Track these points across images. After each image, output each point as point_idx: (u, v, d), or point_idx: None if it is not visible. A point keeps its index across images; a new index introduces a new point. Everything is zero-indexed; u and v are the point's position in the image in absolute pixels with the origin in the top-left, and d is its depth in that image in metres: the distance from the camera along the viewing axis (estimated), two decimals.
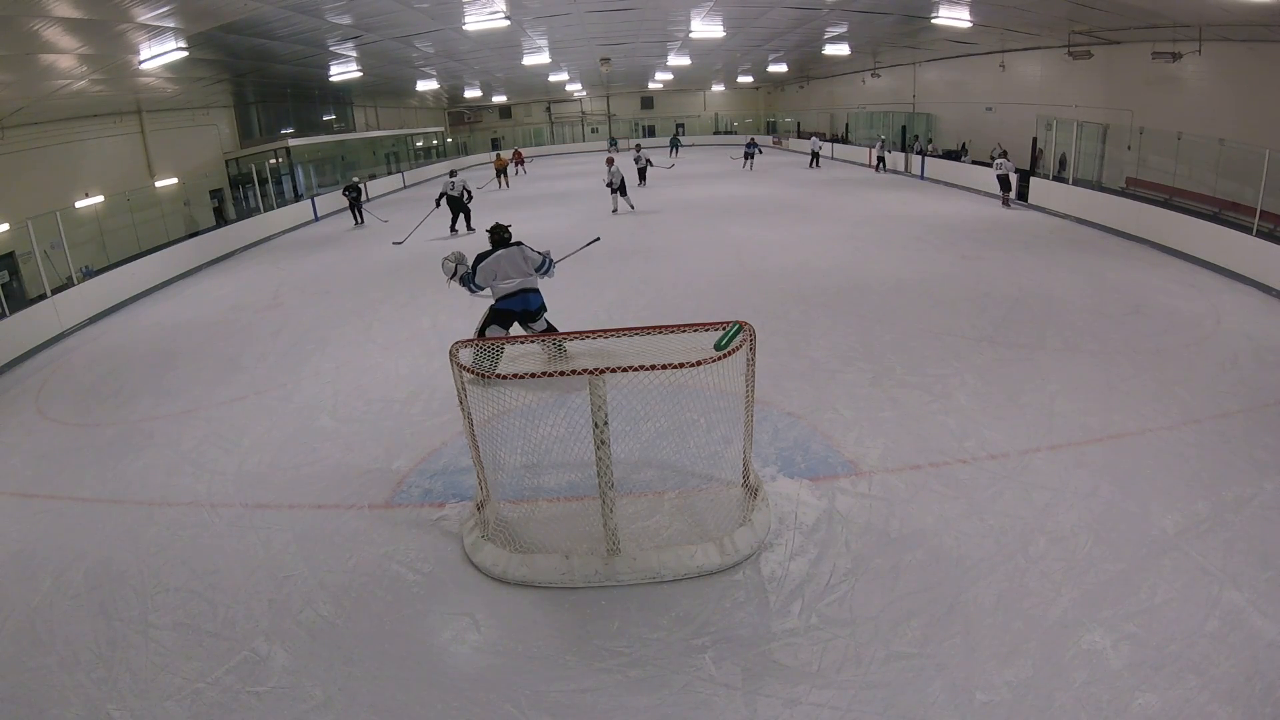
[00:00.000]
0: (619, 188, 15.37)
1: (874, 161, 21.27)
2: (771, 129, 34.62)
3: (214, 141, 18.98)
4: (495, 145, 36.49)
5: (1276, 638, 2.98)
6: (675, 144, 30.49)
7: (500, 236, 5.97)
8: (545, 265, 5.97)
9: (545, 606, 3.46)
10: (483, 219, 11.98)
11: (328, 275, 11.53)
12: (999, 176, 14.30)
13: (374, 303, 9.41)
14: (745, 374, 3.85)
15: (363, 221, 16.79)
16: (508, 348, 4.94)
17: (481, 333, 5.84)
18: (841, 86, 27.97)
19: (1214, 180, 11.57)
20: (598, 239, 7.59)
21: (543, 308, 6.02)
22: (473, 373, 3.76)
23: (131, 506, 4.68)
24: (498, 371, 4.33)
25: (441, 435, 5.32)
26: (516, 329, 5.96)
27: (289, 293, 10.53)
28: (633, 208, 15.30)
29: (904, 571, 3.53)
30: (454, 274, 6.14)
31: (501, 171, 23.68)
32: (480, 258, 5.87)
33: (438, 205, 14.48)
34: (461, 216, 14.51)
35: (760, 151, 24.21)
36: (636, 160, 19.93)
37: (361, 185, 18.02)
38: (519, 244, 5.99)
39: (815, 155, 23.64)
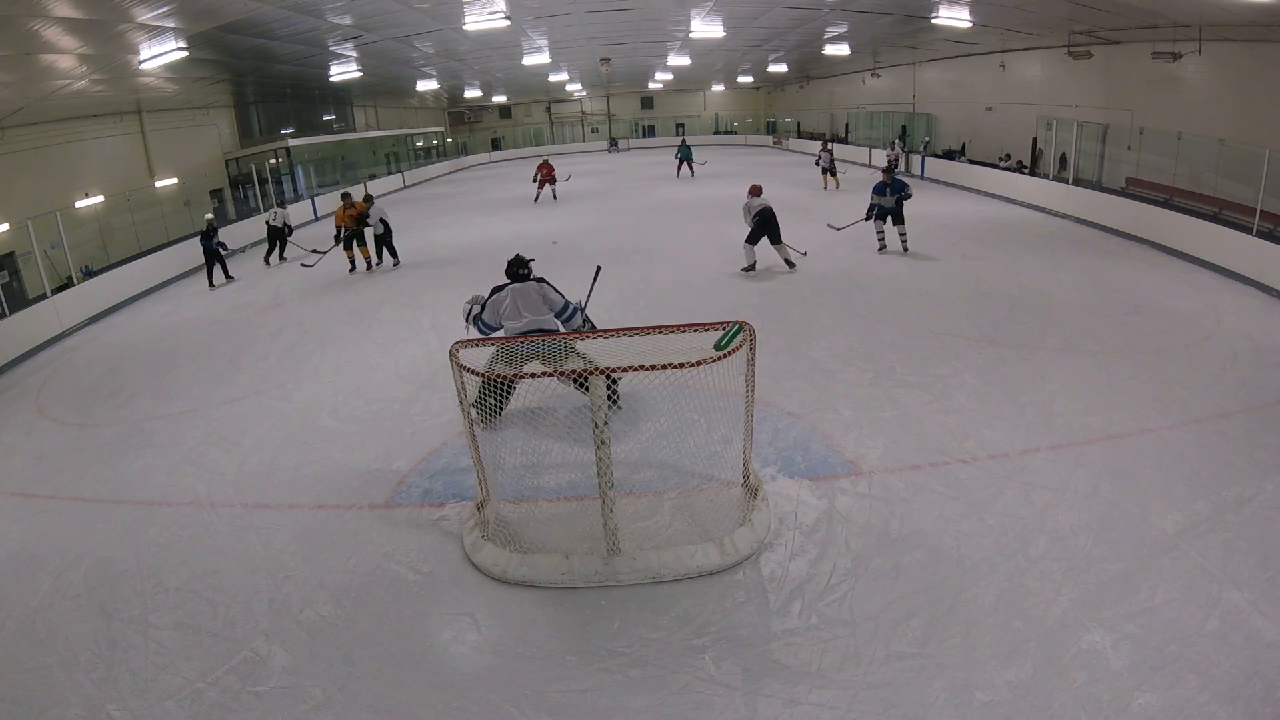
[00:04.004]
0: (761, 230, 9.17)
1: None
2: (771, 129, 34.59)
3: (214, 141, 19.00)
4: (495, 145, 36.40)
5: (1276, 638, 2.98)
6: (685, 157, 21.71)
7: (515, 271, 5.26)
8: (569, 312, 5.17)
9: (545, 606, 3.46)
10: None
11: (328, 275, 11.52)
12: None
13: (374, 303, 9.41)
14: (745, 374, 3.85)
15: (228, 278, 11.80)
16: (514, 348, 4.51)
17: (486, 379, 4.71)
18: (841, 86, 27.96)
19: (1214, 180, 11.58)
20: (600, 268, 6.36)
21: None
22: (475, 373, 3.74)
23: (131, 506, 4.68)
24: (498, 372, 4.32)
25: (441, 435, 5.31)
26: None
27: (289, 293, 10.52)
28: (793, 265, 9.46)
29: (904, 571, 3.53)
30: (468, 315, 5.43)
31: (353, 236, 11.30)
32: (493, 291, 5.24)
33: None
34: None
35: (908, 192, 10.14)
36: (366, 219, 11.15)
37: (215, 225, 11.78)
38: (539, 280, 5.22)
39: (891, 166, 19.58)
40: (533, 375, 4.18)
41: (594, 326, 5.22)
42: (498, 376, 4.07)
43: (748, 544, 3.72)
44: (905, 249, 10.22)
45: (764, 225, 9.21)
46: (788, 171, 21.72)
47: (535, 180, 18.07)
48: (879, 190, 10.14)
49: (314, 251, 12.20)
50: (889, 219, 10.11)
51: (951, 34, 16.28)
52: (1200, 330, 6.84)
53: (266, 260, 13.04)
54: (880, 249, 10.35)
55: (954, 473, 4.41)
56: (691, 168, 21.58)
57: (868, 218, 10.41)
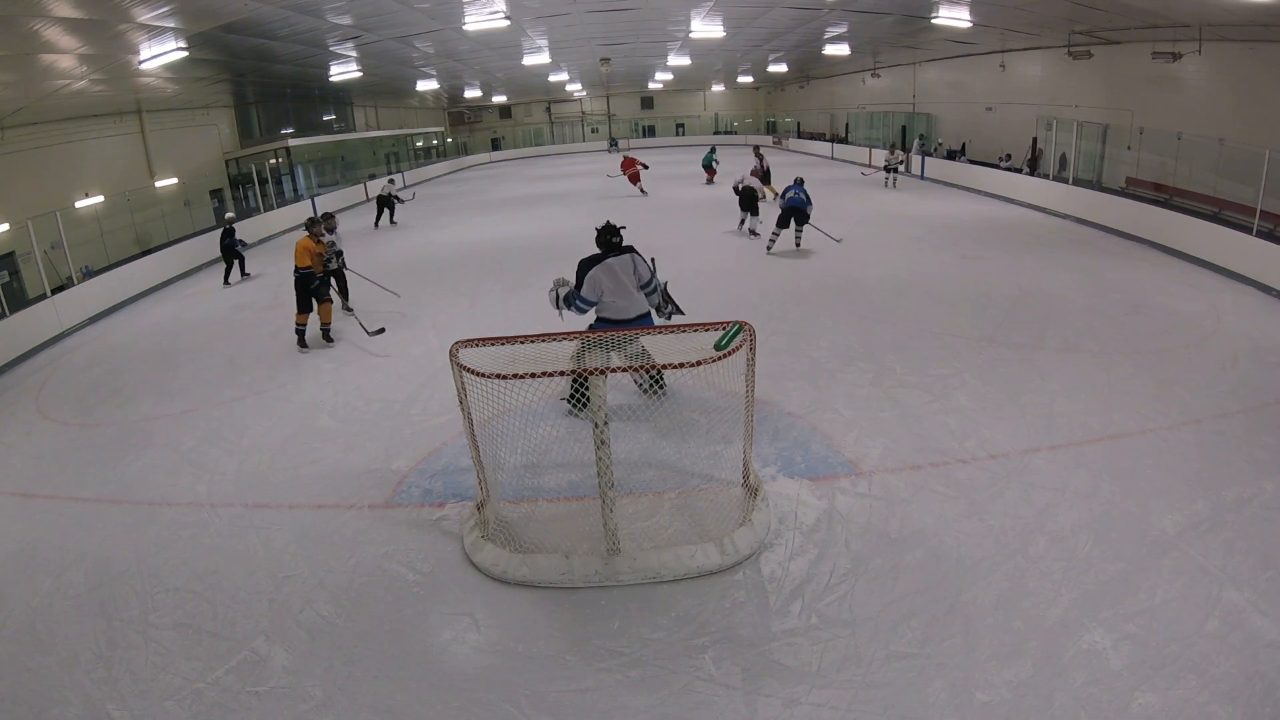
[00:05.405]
0: (743, 202, 11.90)
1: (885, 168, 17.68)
2: (771, 129, 34.59)
3: (214, 141, 19.01)
4: (495, 145, 36.38)
5: (1276, 638, 2.98)
6: (708, 164, 20.11)
7: (607, 239, 4.96)
8: (651, 286, 4.97)
9: (545, 606, 3.46)
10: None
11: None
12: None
13: (374, 303, 9.40)
14: (745, 374, 3.84)
15: (244, 275, 11.87)
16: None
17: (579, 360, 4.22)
18: (841, 86, 27.99)
19: (1214, 180, 11.58)
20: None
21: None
22: (475, 373, 3.69)
23: (131, 506, 4.68)
24: (499, 372, 4.30)
25: (441, 435, 5.31)
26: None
27: (289, 293, 10.48)
28: (755, 234, 11.62)
29: (904, 571, 3.53)
30: (558, 299, 5.09)
31: (316, 288, 7.72)
32: (585, 265, 4.91)
33: None
34: None
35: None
36: (328, 261, 8.17)
37: (234, 224, 11.82)
38: (630, 250, 4.96)
39: (892, 170, 17.57)
40: (531, 375, 4.14)
41: (676, 308, 5.25)
42: (493, 376, 4.04)
43: (748, 544, 3.72)
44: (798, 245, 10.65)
45: (745, 200, 11.85)
46: (780, 171, 21.64)
47: (627, 177, 17.94)
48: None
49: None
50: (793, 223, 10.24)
51: (951, 34, 16.29)
52: (1200, 330, 6.84)
53: (376, 225, 15.82)
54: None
55: (954, 473, 4.41)
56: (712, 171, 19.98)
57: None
